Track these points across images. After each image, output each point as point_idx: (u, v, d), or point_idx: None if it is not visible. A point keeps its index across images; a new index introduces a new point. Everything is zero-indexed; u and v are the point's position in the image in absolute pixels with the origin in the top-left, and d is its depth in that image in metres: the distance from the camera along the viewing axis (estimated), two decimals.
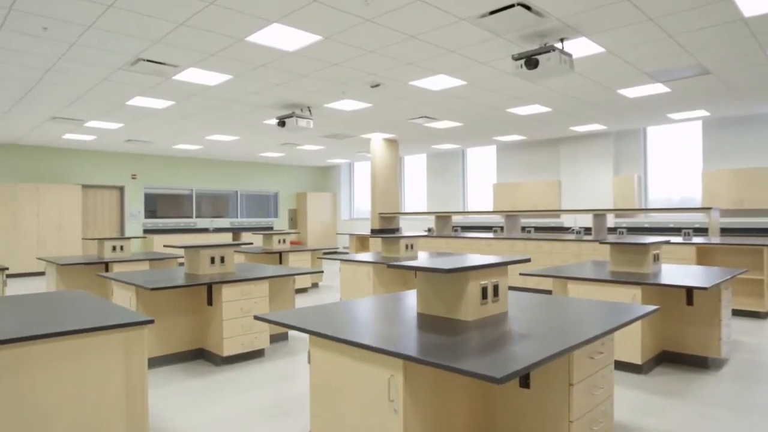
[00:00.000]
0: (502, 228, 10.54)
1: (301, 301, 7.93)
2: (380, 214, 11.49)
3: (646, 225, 10.35)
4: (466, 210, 13.92)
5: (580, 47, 5.45)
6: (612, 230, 9.18)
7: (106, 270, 6.99)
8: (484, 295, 2.79)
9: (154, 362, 4.60)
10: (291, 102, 7.96)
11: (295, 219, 16.94)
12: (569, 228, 8.78)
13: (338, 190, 17.34)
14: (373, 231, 11.52)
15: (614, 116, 9.38)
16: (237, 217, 15.50)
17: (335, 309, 3.05)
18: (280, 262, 8.94)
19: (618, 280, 4.14)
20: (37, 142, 11.39)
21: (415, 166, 15.52)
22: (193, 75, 6.42)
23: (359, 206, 17.05)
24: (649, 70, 6.43)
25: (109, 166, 13.01)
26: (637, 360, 4.12)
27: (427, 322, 2.64)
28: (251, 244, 5.67)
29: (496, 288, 2.88)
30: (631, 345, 4.15)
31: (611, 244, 4.73)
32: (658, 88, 7.30)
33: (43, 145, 11.84)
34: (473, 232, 10.90)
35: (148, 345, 4.16)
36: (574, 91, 7.45)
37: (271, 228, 16.11)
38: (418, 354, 2.05)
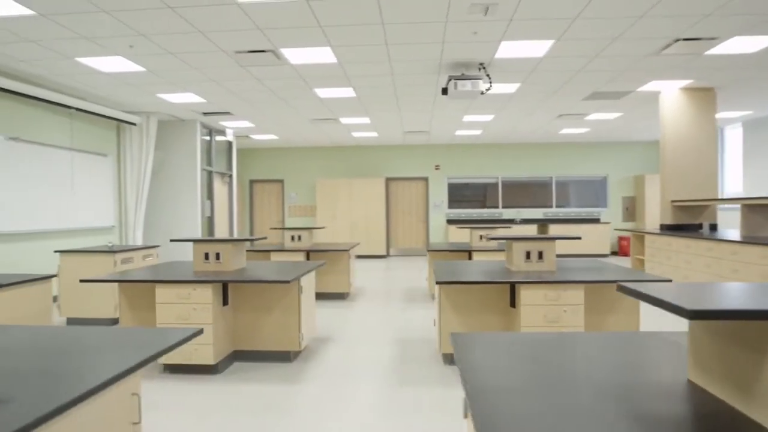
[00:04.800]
0: None
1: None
2: (673, 202, 7.70)
3: None
4: None
5: None
6: None
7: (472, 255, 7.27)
8: None
9: None
10: (454, 60, 6.29)
11: (632, 208, 13.43)
12: None
13: None
14: (662, 227, 7.85)
15: None
16: (551, 207, 13.55)
17: None
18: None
19: None
20: (349, 142, 13.14)
21: None
22: (296, 55, 5.95)
23: (734, 189, 11.91)
24: None
25: (415, 159, 13.70)
26: None
27: None
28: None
29: None
30: None
31: None
32: None
33: (354, 144, 13.58)
34: None
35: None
36: None
37: (597, 220, 13.33)
38: None
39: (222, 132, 10.68)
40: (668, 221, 7.75)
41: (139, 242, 8.68)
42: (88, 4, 4.42)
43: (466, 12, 4.76)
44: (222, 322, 4.19)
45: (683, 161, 7.67)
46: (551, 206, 13.54)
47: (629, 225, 13.41)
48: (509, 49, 5.85)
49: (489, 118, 9.98)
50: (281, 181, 13.97)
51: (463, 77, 6.40)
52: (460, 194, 13.79)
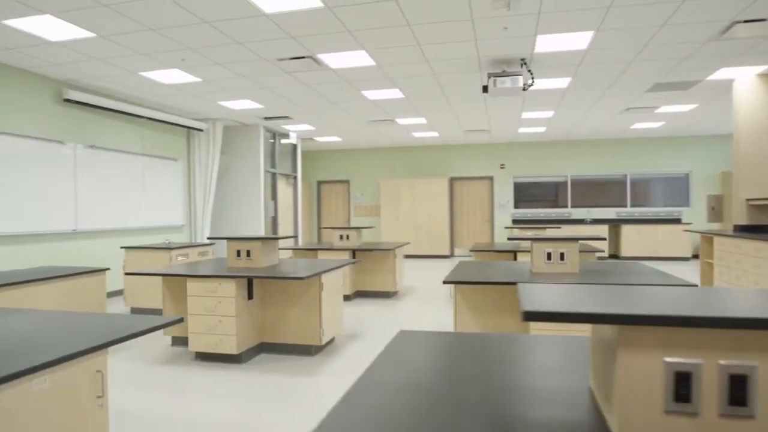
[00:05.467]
0: None
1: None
2: (748, 201, 7.02)
3: None
4: None
5: None
6: None
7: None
8: None
9: None
10: (494, 57, 6.20)
11: (718, 207, 12.31)
12: None
13: None
14: (736, 227, 7.18)
15: None
16: (626, 206, 12.76)
17: None
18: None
19: None
20: (412, 143, 13.22)
21: None
22: (335, 60, 6.15)
23: None
24: None
25: (478, 158, 13.50)
26: None
27: None
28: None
29: None
30: None
31: None
32: None
33: (417, 145, 13.62)
34: None
35: None
36: None
37: (678, 221, 12.38)
38: None
39: (286, 135, 11.18)
40: (743, 221, 7.07)
41: (206, 240, 9.34)
42: (135, 24, 4.88)
43: (489, 8, 4.69)
44: (246, 315, 4.45)
45: (760, 155, 6.96)
46: (625, 206, 12.76)
47: (715, 226, 12.32)
48: (548, 43, 5.67)
49: (549, 114, 9.64)
50: (347, 182, 14.35)
51: (504, 74, 6.29)
52: (527, 193, 13.39)
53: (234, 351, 4.28)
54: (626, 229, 12.02)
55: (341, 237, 7.81)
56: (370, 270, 7.46)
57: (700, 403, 1.11)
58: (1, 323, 2.37)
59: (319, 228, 14.62)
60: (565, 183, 13.11)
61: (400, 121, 10.10)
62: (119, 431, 3.09)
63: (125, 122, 7.95)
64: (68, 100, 6.73)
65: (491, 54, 6.03)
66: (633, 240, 11.92)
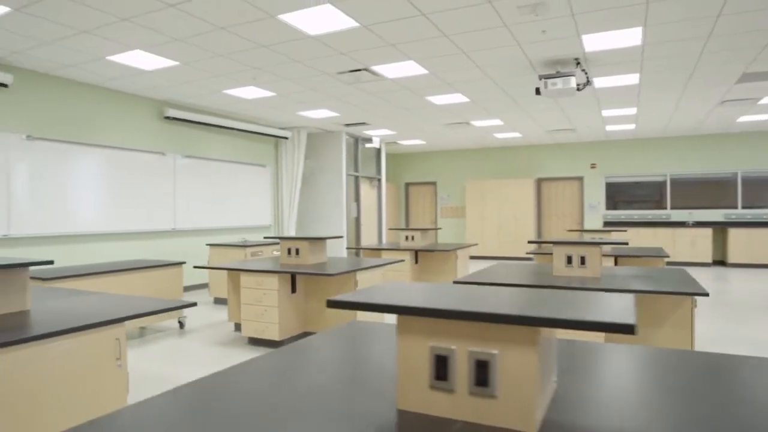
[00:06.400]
0: None
1: None
2: None
3: None
4: None
5: None
6: None
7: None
8: None
9: None
10: (544, 59, 6.19)
11: None
12: None
13: None
14: None
15: None
16: (736, 208, 11.56)
17: None
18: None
19: None
20: (496, 144, 13.13)
21: None
22: (389, 70, 6.52)
23: None
24: None
25: (567, 158, 13.03)
26: None
27: None
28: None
29: None
30: None
31: None
32: None
33: (502, 145, 13.47)
34: None
35: None
36: None
37: None
38: None
39: (368, 140, 11.76)
40: None
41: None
42: (206, 52, 5.65)
43: (518, 14, 4.76)
44: (288, 306, 4.99)
45: None
46: (735, 207, 11.56)
47: None
48: (597, 42, 5.54)
49: (632, 111, 9.14)
50: (434, 183, 14.62)
51: (556, 75, 6.22)
52: (621, 194, 12.66)
53: (276, 337, 4.84)
54: (734, 233, 10.93)
55: (406, 238, 8.16)
56: (433, 270, 7.73)
57: (455, 382, 1.33)
58: (67, 301, 3.08)
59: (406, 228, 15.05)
60: (663, 182, 12.20)
61: (476, 123, 10.18)
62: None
63: (217, 133, 9.01)
64: (168, 117, 7.85)
65: (540, 56, 6.01)
66: (742, 245, 10.81)
